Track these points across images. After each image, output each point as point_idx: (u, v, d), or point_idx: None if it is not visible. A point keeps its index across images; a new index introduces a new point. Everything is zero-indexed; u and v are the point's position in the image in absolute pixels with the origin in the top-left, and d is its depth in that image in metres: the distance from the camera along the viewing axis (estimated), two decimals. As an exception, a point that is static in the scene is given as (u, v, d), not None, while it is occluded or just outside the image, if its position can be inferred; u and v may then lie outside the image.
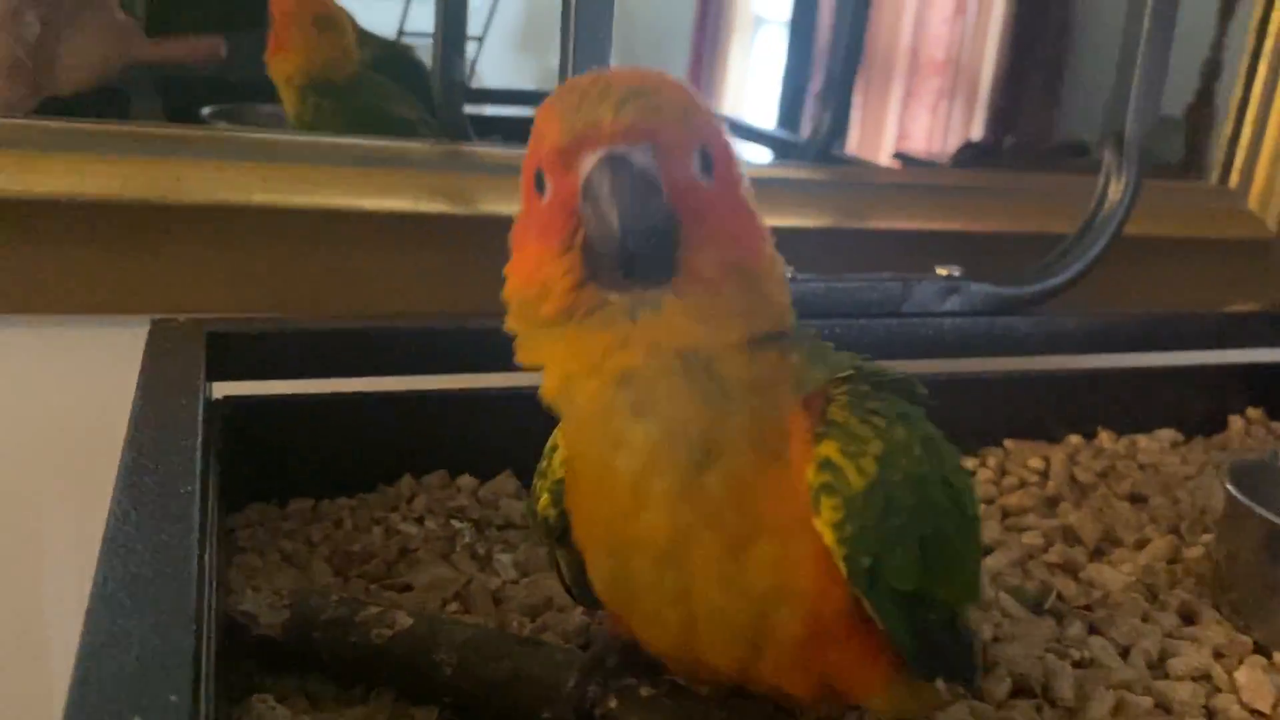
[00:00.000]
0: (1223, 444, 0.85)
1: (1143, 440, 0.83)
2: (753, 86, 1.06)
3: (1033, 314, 0.78)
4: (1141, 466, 0.78)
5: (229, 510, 0.60)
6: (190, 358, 0.55)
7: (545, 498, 0.42)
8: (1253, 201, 1.06)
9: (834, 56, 0.98)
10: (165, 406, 0.48)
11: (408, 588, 0.55)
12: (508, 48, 0.89)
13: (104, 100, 0.76)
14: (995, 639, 0.54)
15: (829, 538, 0.36)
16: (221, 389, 0.60)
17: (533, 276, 0.35)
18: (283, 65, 0.77)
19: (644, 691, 0.43)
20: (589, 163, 0.33)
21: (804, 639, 0.37)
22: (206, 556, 0.46)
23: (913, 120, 1.09)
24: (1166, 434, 0.84)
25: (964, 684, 0.44)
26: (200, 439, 0.46)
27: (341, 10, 0.78)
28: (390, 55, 0.86)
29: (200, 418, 0.48)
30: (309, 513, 0.62)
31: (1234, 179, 1.06)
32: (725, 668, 0.39)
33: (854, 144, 1.06)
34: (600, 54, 0.61)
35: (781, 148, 1.04)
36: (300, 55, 0.77)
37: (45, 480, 0.74)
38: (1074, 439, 0.82)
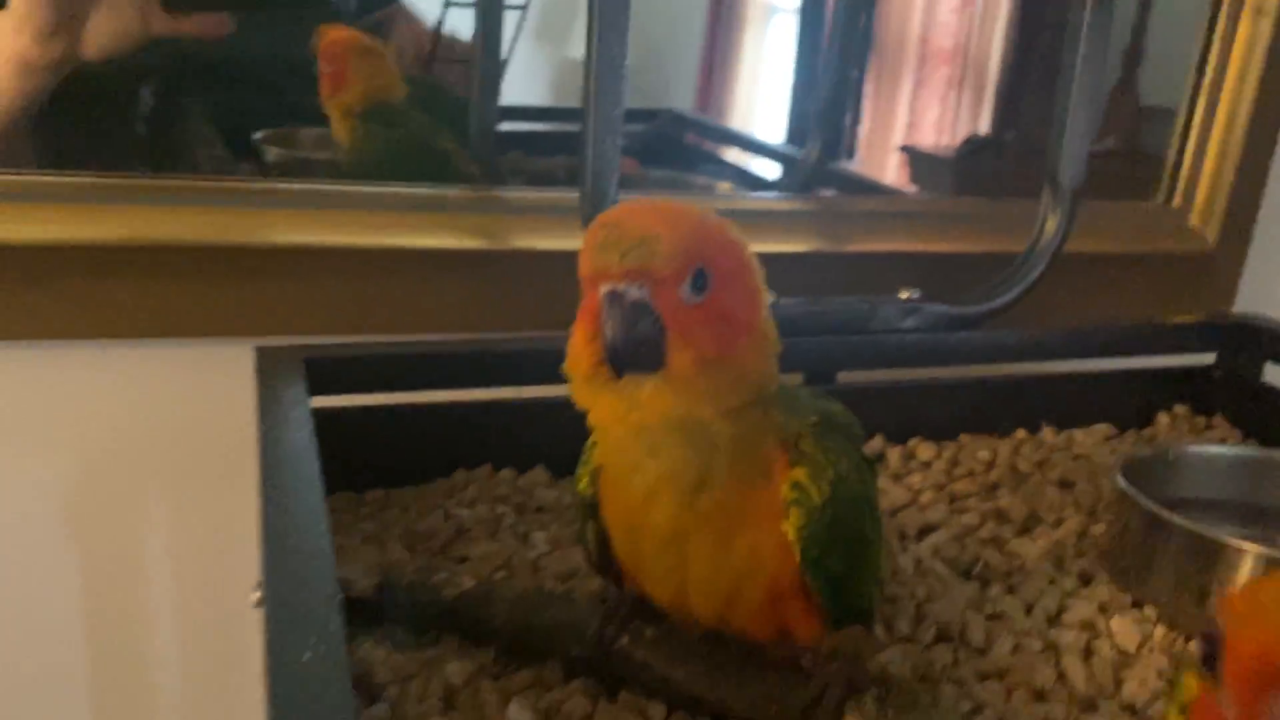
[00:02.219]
0: (1151, 436, 0.99)
1: (1079, 435, 0.96)
2: (765, 77, 1.11)
3: (982, 329, 0.92)
4: (1075, 457, 0.92)
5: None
6: (295, 379, 0.70)
7: (585, 480, 0.55)
8: (1194, 219, 1.19)
9: (845, 44, 1.06)
10: (283, 418, 0.63)
11: (465, 559, 0.70)
12: (525, 36, 0.95)
13: (173, 146, 0.89)
14: (928, 598, 0.69)
15: (792, 535, 0.50)
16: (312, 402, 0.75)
17: (574, 351, 0.49)
18: (344, 98, 0.87)
19: (649, 633, 0.57)
20: (600, 291, 0.46)
21: (765, 601, 0.52)
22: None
23: (922, 112, 1.16)
24: (1101, 429, 0.98)
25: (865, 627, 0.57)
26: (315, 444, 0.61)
27: (376, 40, 0.88)
28: (424, 91, 0.97)
29: (312, 427, 0.63)
30: (382, 500, 0.76)
31: (1177, 200, 1.20)
32: (708, 618, 0.54)
33: (863, 134, 1.12)
34: (619, 44, 0.72)
35: (787, 163, 1.14)
36: (360, 84, 0.87)
37: (151, 479, 0.90)
38: (1020, 433, 0.95)
